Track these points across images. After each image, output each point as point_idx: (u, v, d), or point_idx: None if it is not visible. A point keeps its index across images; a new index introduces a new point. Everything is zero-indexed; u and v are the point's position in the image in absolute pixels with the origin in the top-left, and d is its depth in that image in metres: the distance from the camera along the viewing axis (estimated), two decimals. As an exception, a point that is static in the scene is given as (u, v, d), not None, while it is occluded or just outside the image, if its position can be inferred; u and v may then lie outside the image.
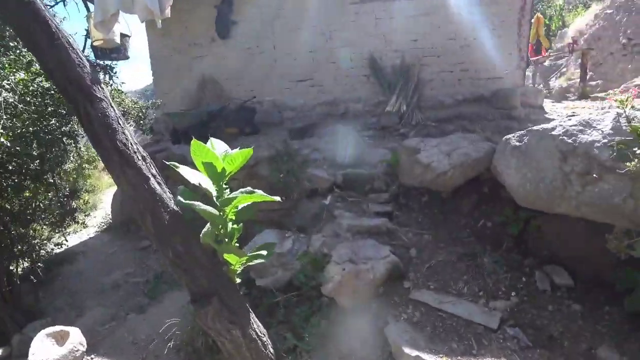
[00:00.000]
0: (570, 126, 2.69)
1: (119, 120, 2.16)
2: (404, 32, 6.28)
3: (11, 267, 4.56)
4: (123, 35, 4.49)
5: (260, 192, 2.13)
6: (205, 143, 2.25)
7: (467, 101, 5.97)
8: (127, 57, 4.91)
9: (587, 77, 7.94)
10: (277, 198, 2.18)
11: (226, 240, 2.37)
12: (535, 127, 2.82)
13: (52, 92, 3.85)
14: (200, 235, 2.25)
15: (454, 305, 2.67)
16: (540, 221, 3.07)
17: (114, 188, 9.79)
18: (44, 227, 5.04)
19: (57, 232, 5.25)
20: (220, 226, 2.34)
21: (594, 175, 2.52)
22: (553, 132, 2.71)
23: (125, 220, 7.10)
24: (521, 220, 3.15)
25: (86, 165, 7.70)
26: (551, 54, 10.08)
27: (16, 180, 4.28)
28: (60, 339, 3.41)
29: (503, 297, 2.70)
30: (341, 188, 3.96)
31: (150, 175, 2.20)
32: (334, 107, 6.40)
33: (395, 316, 2.62)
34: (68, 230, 5.51)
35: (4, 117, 3.33)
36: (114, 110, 2.16)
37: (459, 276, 2.92)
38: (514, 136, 2.96)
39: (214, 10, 6.77)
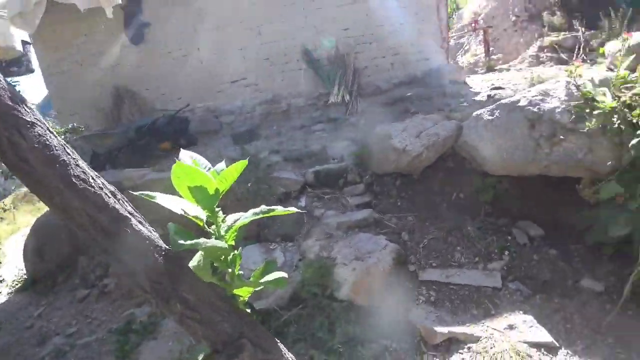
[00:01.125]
0: (533, 97, 2.96)
1: (66, 148, 1.65)
2: (334, 22, 6.30)
3: None
4: (24, 43, 3.68)
5: (279, 207, 1.92)
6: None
7: (402, 84, 6.24)
8: (31, 70, 4.08)
9: (490, 52, 8.89)
10: (294, 209, 1.99)
11: (230, 271, 2.10)
12: (503, 101, 3.04)
13: None
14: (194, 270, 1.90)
15: (459, 276, 2.82)
16: (506, 185, 3.33)
17: (18, 235, 8.31)
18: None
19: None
20: (223, 257, 2.07)
21: (560, 137, 2.80)
22: (519, 104, 2.96)
23: (48, 272, 6.02)
24: (491, 187, 3.38)
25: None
26: (452, 34, 11.06)
27: None
28: None
29: (497, 258, 2.93)
30: (314, 187, 3.84)
31: (128, 215, 1.78)
32: (274, 104, 6.20)
33: (414, 300, 2.64)
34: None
35: None
36: (55, 136, 1.63)
37: (453, 248, 3.06)
38: (483, 111, 3.15)
39: (121, 13, 6.03)
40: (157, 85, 6.42)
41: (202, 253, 1.99)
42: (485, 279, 2.76)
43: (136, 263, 1.71)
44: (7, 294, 5.16)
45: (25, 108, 1.54)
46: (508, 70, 7.94)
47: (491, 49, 9.01)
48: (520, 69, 7.80)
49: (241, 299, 2.25)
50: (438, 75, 6.22)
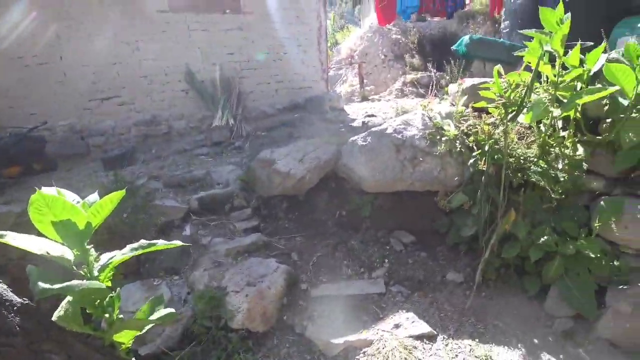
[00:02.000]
0: (397, 125, 3.34)
1: None
2: (219, 45, 6.18)
3: None
4: None
5: (161, 241, 1.71)
6: None
7: (286, 109, 6.42)
8: None
9: (364, 84, 9.85)
10: (179, 242, 1.80)
11: (107, 316, 1.79)
12: (374, 129, 3.36)
13: None
14: (57, 320, 1.56)
15: (348, 288, 2.92)
16: (381, 201, 3.64)
17: None
18: None
19: None
20: (98, 300, 1.74)
21: (420, 158, 3.21)
22: (387, 131, 3.31)
23: None
24: (368, 203, 3.65)
25: None
26: (332, 65, 11.95)
27: None
28: None
29: (379, 266, 3.15)
30: (199, 214, 3.57)
31: None
32: (153, 126, 5.68)
33: (309, 317, 2.63)
34: None
35: None
36: None
37: (340, 263, 3.18)
38: (358, 138, 3.42)
39: None
40: (4, 96, 5.29)
41: (71, 299, 1.64)
42: (370, 286, 2.93)
43: None
44: None
45: None
46: (379, 100, 8.91)
47: (365, 81, 10.00)
48: (389, 99, 8.82)
49: (123, 346, 1.92)
50: (319, 102, 6.59)
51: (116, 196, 1.74)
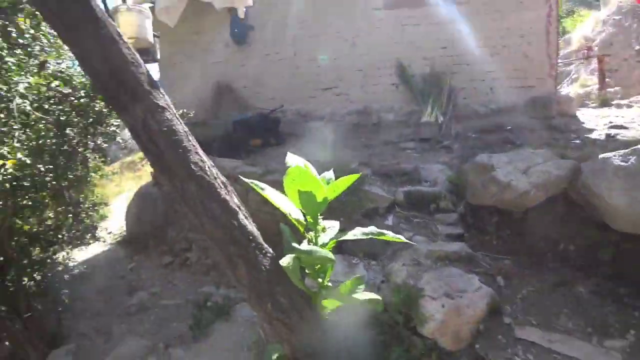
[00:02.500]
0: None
1: (188, 136, 1.69)
2: (432, 39, 6.01)
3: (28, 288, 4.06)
4: (154, 36, 4.01)
5: (390, 233, 1.80)
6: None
7: (502, 110, 5.73)
8: (157, 60, 4.45)
9: (605, 84, 7.84)
10: (402, 238, 1.85)
11: (319, 280, 2.02)
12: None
13: (73, 98, 3.34)
14: (284, 268, 1.78)
15: (566, 345, 2.36)
16: (633, 245, 2.81)
17: (122, 196, 9.25)
18: (64, 246, 4.51)
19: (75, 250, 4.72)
20: (318, 265, 1.99)
21: None
22: (667, 152, 2.48)
23: (143, 235, 6.61)
24: (611, 244, 2.89)
25: (92, 174, 7.17)
26: (559, 60, 10.01)
27: (34, 199, 3.80)
28: None
29: (617, 335, 2.41)
30: (403, 207, 3.63)
31: (236, 208, 1.78)
32: (365, 116, 6.07)
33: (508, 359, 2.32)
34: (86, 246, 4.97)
35: (15, 127, 2.85)
36: (180, 123, 1.67)
37: (559, 309, 2.62)
38: (615, 155, 2.71)
39: (228, 15, 6.37)
40: (254, 84, 6.65)
41: (294, 256, 1.94)
42: (599, 357, 2.28)
43: (238, 256, 1.71)
44: (110, 244, 5.65)
45: (159, 93, 1.60)
46: (629, 106, 6.92)
47: (607, 80, 7.96)
48: (643, 106, 6.76)
49: (326, 310, 2.17)
50: (544, 104, 5.61)
51: (351, 178, 1.90)
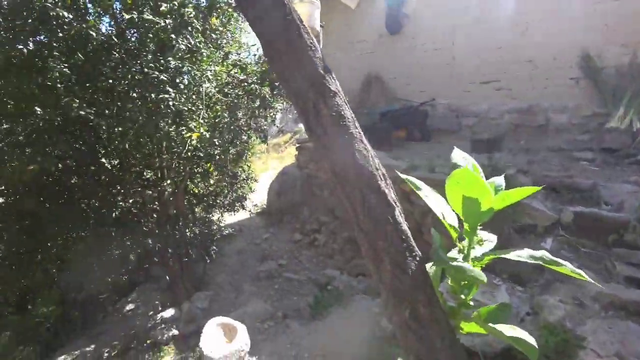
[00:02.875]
0: None
1: (355, 122, 1.63)
2: (631, 20, 4.67)
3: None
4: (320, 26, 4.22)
5: (568, 265, 1.44)
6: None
7: None
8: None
9: None
10: (585, 276, 1.45)
11: (462, 296, 1.75)
12: None
13: (245, 84, 3.78)
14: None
15: None
16: None
17: (267, 173, 10.38)
18: (219, 210, 5.25)
19: (226, 214, 5.44)
20: (465, 282, 1.74)
21: None
22: None
23: (280, 210, 7.27)
24: None
25: (248, 152, 8.16)
26: None
27: (204, 168, 4.50)
28: (228, 331, 3.40)
29: None
30: (569, 230, 2.96)
31: (393, 203, 1.65)
32: (528, 116, 5.20)
33: None
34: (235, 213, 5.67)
35: (201, 107, 3.35)
36: (349, 109, 1.63)
37: None
38: None
39: (383, 4, 6.22)
40: (403, 75, 6.41)
41: (436, 263, 1.73)
42: None
43: (386, 253, 1.60)
44: (251, 213, 6.37)
45: (332, 78, 1.60)
46: None
47: None
48: None
49: (462, 331, 1.90)
50: None
51: (528, 191, 1.55)
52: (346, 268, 4.91)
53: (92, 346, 4.06)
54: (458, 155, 1.67)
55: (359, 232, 1.63)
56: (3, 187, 2.76)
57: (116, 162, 3.67)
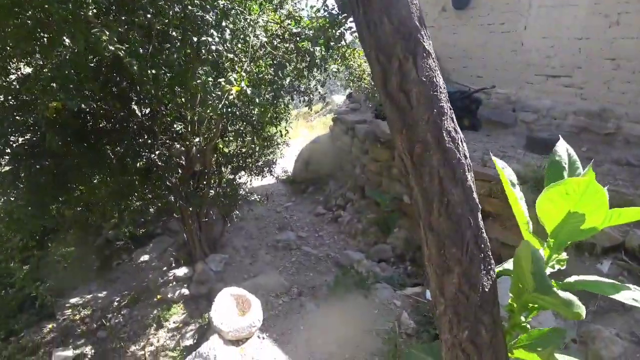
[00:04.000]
0: None
1: (446, 95, 1.29)
2: None
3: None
4: None
5: None
6: None
7: None
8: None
9: None
10: None
11: (522, 319, 1.50)
12: None
13: (297, 39, 3.39)
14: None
15: None
16: None
17: (295, 140, 10.06)
18: (244, 172, 5.01)
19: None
20: (530, 305, 1.48)
21: None
22: None
23: (305, 180, 7.07)
24: None
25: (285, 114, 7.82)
26: None
27: (240, 127, 4.24)
28: (241, 303, 3.27)
29: None
30: (633, 256, 2.62)
31: (477, 204, 1.34)
32: (597, 121, 4.60)
33: None
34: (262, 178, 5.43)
35: (244, 59, 3.03)
36: (440, 76, 1.28)
37: None
38: None
39: None
40: (461, 56, 5.84)
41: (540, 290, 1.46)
42: None
43: (457, 262, 1.33)
44: (276, 178, 6.21)
45: (426, 33, 1.25)
46: None
47: None
48: None
49: (511, 355, 1.67)
50: None
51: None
52: (368, 252, 4.68)
53: (104, 292, 4.06)
54: (562, 148, 1.34)
55: (428, 231, 1.33)
56: (30, 124, 2.61)
57: (147, 110, 3.47)
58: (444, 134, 1.18)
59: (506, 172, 1.50)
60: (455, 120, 1.27)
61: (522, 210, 1.48)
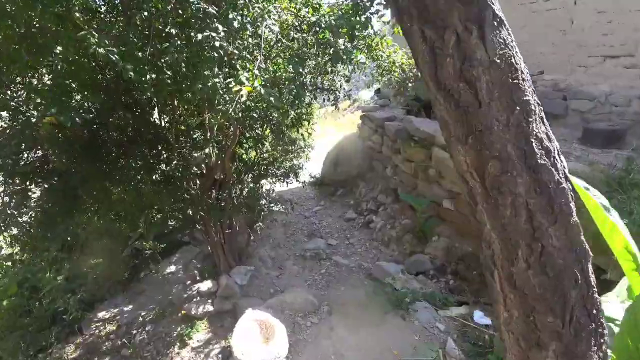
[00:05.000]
0: None
1: (531, 83, 0.88)
2: None
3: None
4: None
5: None
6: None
7: None
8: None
9: None
10: None
11: None
12: None
13: (317, 28, 2.99)
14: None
15: None
16: None
17: (322, 140, 9.72)
18: (268, 180, 4.71)
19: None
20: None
21: None
22: None
23: (334, 182, 6.70)
24: None
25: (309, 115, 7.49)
26: None
27: (259, 132, 3.93)
28: (265, 329, 2.98)
29: None
30: None
31: (588, 248, 0.94)
32: (670, 106, 3.97)
33: None
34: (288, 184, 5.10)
35: (258, 56, 2.68)
36: (520, 56, 0.87)
37: None
38: None
39: None
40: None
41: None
42: None
43: (550, 334, 0.94)
44: (303, 182, 5.93)
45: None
46: None
47: None
48: None
49: None
50: None
51: None
52: (404, 263, 4.26)
53: (130, 306, 3.91)
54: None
55: (508, 287, 0.89)
56: (32, 143, 2.44)
57: (166, 118, 3.23)
58: (534, 145, 0.78)
59: (592, 194, 1.10)
60: (545, 121, 0.88)
61: (625, 242, 1.09)
